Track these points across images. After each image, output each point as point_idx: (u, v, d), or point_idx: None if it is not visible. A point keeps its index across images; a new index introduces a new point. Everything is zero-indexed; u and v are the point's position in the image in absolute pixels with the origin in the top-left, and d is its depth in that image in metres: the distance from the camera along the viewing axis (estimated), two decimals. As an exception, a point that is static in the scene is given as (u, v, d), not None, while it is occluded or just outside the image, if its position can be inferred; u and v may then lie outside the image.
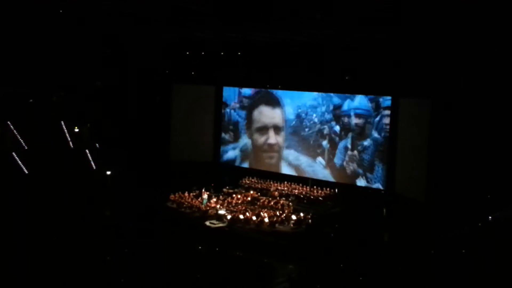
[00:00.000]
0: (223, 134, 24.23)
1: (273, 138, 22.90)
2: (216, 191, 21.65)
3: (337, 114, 21.26)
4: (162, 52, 24.04)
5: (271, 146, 22.99)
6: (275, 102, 22.90)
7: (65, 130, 23.22)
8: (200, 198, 20.51)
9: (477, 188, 16.53)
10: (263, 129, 23.20)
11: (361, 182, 20.81)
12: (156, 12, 17.34)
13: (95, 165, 23.07)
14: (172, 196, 20.69)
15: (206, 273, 13.87)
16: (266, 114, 23.10)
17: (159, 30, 20.80)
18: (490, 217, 16.46)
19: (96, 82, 24.73)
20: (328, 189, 21.29)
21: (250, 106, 23.48)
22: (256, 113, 23.34)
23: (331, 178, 21.52)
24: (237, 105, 23.77)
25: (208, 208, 19.67)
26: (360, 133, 20.65)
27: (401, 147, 19.70)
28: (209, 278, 13.52)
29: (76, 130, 23.68)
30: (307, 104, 22.10)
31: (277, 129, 22.89)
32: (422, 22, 15.42)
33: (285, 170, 22.64)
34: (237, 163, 23.91)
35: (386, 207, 19.45)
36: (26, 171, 21.31)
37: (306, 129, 22.02)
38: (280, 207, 19.77)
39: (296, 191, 21.67)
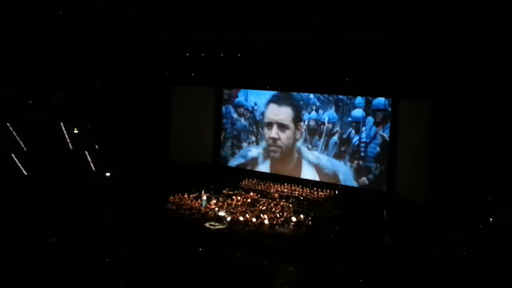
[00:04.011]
0: (240, 121, 23.80)
1: (275, 132, 22.61)
2: (215, 193, 21.61)
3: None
4: (161, 53, 24.00)
5: (274, 140, 22.71)
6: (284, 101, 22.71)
7: (64, 132, 23.18)
8: (199, 199, 20.46)
9: (477, 189, 16.50)
10: (269, 125, 22.95)
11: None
12: (156, 13, 17.32)
13: (94, 166, 23.02)
14: (171, 198, 20.65)
15: (206, 275, 13.83)
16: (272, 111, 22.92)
17: (158, 31, 20.77)
18: (490, 218, 16.44)
19: (95, 84, 24.70)
20: (328, 190, 21.23)
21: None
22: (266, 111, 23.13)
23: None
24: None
25: (207, 209, 19.63)
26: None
27: (401, 149, 19.65)
28: (209, 280, 13.48)
29: (75, 131, 23.64)
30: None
31: (281, 126, 22.59)
32: (423, 23, 15.40)
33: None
34: (259, 161, 23.38)
35: (386, 209, 19.41)
36: (25, 173, 21.27)
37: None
38: (280, 208, 19.72)
39: (296, 192, 21.62)
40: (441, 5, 13.40)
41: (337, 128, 20.99)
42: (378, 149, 19.71)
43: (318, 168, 21.61)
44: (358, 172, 20.46)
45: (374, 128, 19.86)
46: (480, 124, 16.91)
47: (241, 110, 23.64)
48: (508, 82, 16.55)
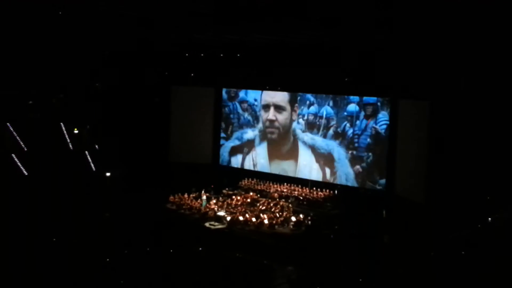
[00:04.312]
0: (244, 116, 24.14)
1: (272, 114, 23.11)
2: (215, 193, 21.62)
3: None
4: (161, 53, 24.02)
5: (271, 122, 23.15)
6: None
7: (65, 132, 23.20)
8: (199, 199, 20.48)
9: (476, 189, 16.52)
10: (266, 107, 23.39)
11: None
12: (156, 13, 17.35)
13: (94, 166, 23.05)
14: (171, 198, 20.66)
15: (206, 275, 13.84)
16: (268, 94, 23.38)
17: (158, 31, 20.79)
18: (489, 218, 16.46)
19: (96, 84, 24.72)
20: (327, 190, 21.27)
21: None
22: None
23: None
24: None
25: (207, 209, 19.65)
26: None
27: (401, 149, 19.69)
28: (209, 280, 13.49)
29: (76, 131, 23.67)
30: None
31: (278, 107, 23.01)
32: (422, 23, 15.43)
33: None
34: (256, 143, 23.72)
35: (386, 209, 19.43)
36: (25, 173, 21.28)
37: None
38: (279, 208, 19.74)
39: (296, 192, 21.65)
40: (441, 5, 13.43)
41: (333, 122, 21.56)
42: (369, 139, 20.56)
43: (313, 149, 22.10)
44: (353, 161, 21.10)
45: (364, 120, 20.63)
46: (480, 124, 16.92)
47: (245, 105, 23.95)
48: (508, 82, 16.57)
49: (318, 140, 21.85)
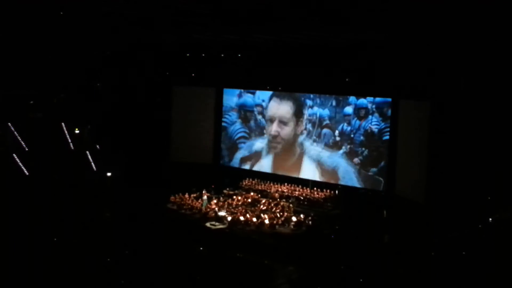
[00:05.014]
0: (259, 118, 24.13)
1: (275, 128, 23.23)
2: (216, 193, 21.66)
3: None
4: (162, 53, 24.06)
5: (274, 136, 23.29)
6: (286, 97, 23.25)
7: (66, 132, 23.26)
8: (200, 199, 20.52)
9: (476, 189, 16.54)
10: (270, 120, 23.47)
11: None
12: (156, 14, 17.37)
13: (95, 166, 23.10)
14: (172, 198, 20.70)
15: (206, 275, 13.88)
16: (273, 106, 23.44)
17: (159, 31, 20.82)
18: (490, 218, 16.48)
19: (97, 84, 24.78)
20: (328, 190, 21.31)
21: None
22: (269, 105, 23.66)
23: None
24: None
25: (208, 209, 19.68)
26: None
27: (401, 149, 19.72)
28: (209, 280, 13.53)
29: (77, 131, 23.73)
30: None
31: (281, 121, 23.09)
32: (422, 23, 15.44)
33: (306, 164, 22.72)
34: (263, 154, 23.74)
35: (386, 209, 19.47)
36: (26, 173, 21.35)
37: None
38: (280, 208, 19.77)
39: (297, 192, 21.69)
40: (441, 5, 13.44)
41: (333, 122, 21.98)
42: (362, 137, 21.29)
43: (318, 163, 22.18)
44: (351, 155, 21.58)
45: (358, 121, 21.31)
46: (480, 124, 16.94)
47: (259, 108, 24.03)
48: (508, 82, 16.58)
49: (324, 155, 22.04)
